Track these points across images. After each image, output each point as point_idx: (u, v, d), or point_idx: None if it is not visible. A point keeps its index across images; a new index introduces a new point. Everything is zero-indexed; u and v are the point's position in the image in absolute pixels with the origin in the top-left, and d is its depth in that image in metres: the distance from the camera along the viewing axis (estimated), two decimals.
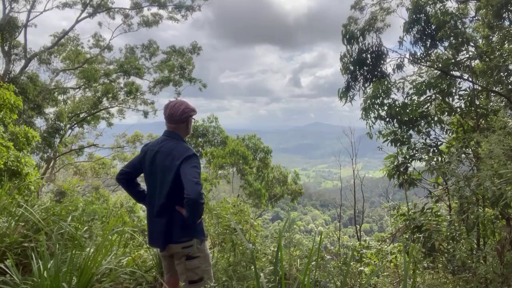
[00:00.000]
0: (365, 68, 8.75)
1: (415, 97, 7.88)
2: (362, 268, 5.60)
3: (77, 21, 19.59)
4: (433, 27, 8.09)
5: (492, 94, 8.02)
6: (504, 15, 8.19)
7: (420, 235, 5.48)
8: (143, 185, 3.06)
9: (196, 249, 2.77)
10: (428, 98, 7.96)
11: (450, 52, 8.09)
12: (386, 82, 8.06)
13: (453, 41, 7.79)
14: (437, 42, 8.31)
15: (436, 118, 7.81)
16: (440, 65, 8.00)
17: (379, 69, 8.74)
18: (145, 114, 22.75)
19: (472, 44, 7.95)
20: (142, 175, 3.05)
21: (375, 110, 8.03)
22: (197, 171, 2.60)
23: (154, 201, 2.81)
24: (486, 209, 4.76)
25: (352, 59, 8.73)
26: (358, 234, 9.82)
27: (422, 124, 7.87)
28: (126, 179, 2.97)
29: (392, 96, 8.05)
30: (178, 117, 2.80)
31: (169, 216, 2.73)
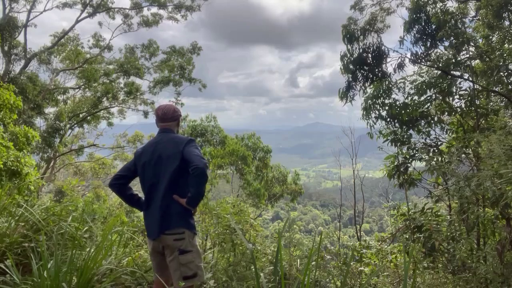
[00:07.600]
0: (365, 67, 8.73)
1: (415, 97, 7.88)
2: (362, 268, 5.60)
3: (77, 21, 19.60)
4: (433, 27, 8.08)
5: (492, 94, 8.02)
6: (504, 15, 8.19)
7: (420, 235, 5.48)
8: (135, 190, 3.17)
9: (188, 242, 2.83)
10: (428, 98, 7.96)
11: (451, 52, 8.08)
12: (387, 82, 8.05)
13: (454, 40, 7.78)
14: (438, 42, 8.29)
15: (436, 118, 7.81)
16: (440, 65, 8.00)
17: (379, 69, 8.72)
18: (145, 114, 22.75)
19: (472, 44, 7.95)
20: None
21: (376, 110, 8.03)
22: (200, 151, 2.86)
23: (155, 190, 2.89)
24: (486, 209, 4.75)
25: (352, 59, 8.71)
26: (358, 234, 9.83)
27: (422, 124, 7.86)
28: (120, 184, 3.07)
29: (393, 96, 8.05)
30: (171, 114, 3.10)
31: (167, 203, 2.83)
